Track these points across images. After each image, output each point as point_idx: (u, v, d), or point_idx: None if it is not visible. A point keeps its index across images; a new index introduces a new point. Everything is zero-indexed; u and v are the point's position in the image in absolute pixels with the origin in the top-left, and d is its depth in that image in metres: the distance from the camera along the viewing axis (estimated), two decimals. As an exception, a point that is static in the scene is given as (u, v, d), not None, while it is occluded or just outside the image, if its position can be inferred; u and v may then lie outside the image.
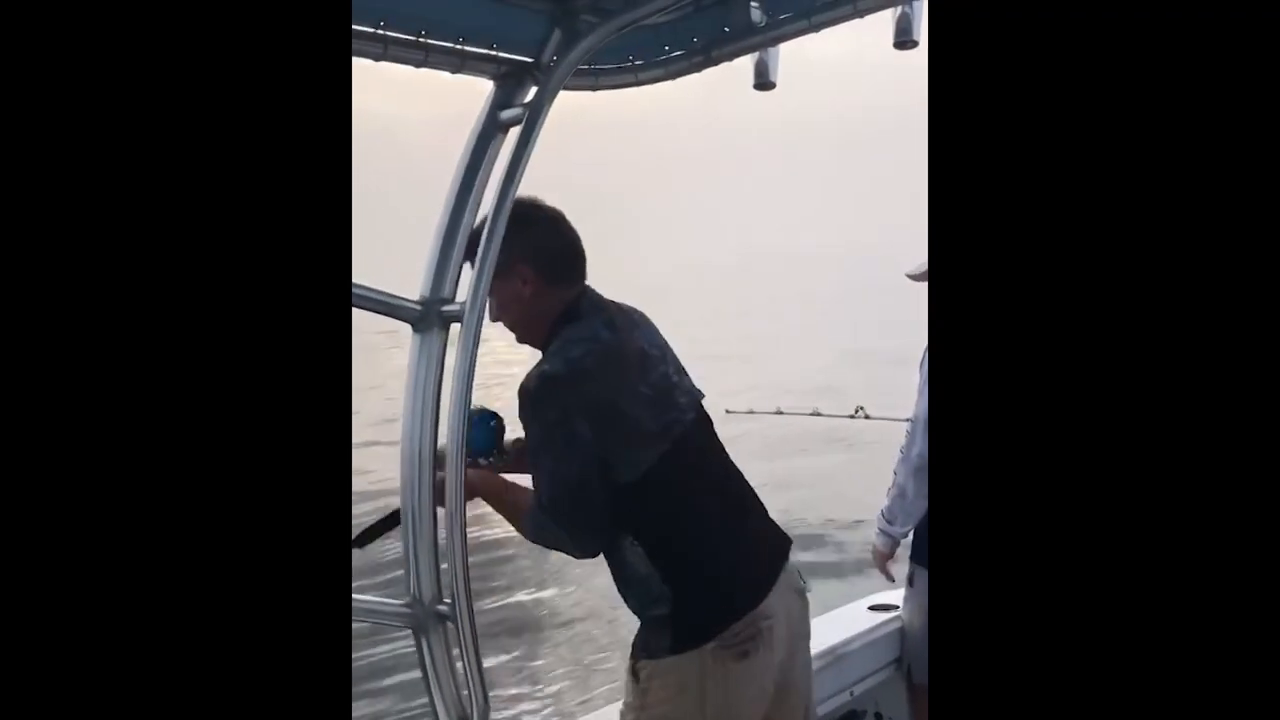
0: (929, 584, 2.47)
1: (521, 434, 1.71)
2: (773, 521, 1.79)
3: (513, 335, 1.79)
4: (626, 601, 1.70)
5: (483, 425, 1.84)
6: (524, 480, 1.74)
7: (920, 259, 2.55)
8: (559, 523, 1.63)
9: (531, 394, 1.61)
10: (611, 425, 1.59)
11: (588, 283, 1.77)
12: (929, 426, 0.86)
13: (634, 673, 1.65)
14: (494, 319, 1.75)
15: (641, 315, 1.80)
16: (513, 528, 1.73)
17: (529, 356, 1.75)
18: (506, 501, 1.73)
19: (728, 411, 3.97)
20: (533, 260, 1.70)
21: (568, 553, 1.68)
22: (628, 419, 1.60)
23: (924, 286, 2.49)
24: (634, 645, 1.68)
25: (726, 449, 1.80)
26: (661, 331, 1.81)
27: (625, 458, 1.60)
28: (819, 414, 4.94)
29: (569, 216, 1.79)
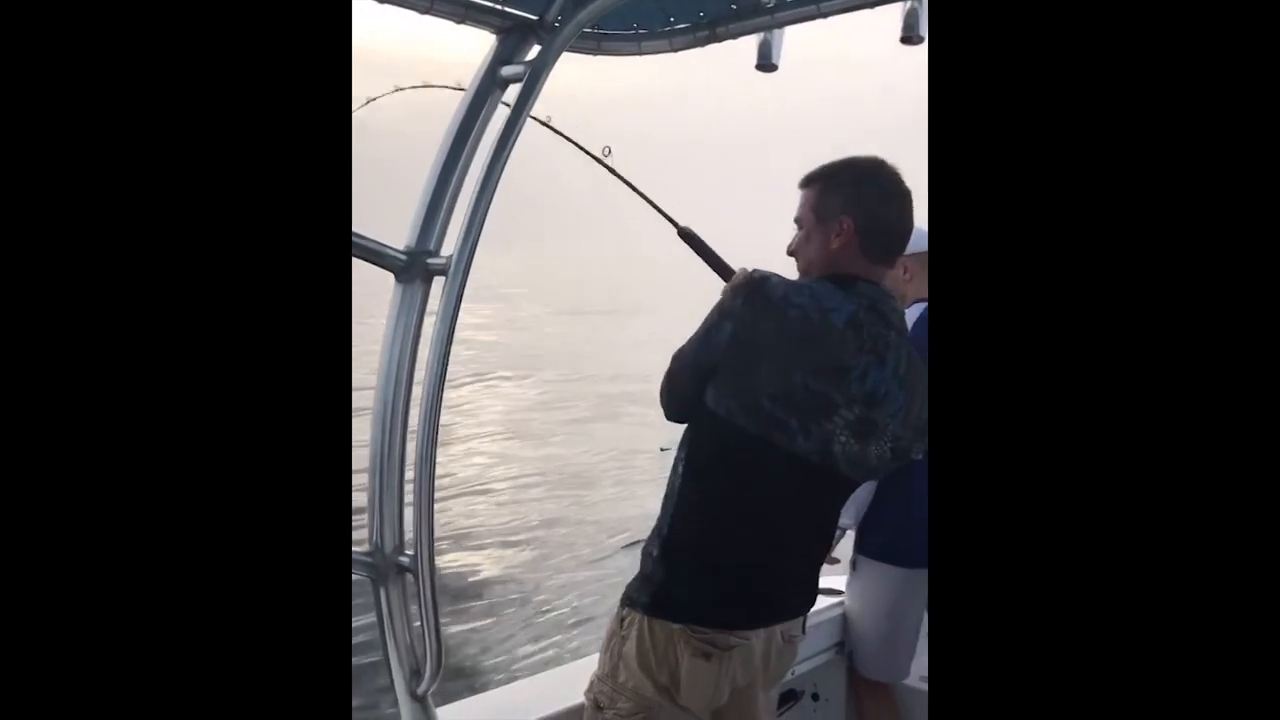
0: (929, 585, 2.50)
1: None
2: (810, 590, 1.76)
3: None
4: (659, 514, 1.67)
5: None
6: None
7: None
8: (667, 371, 1.66)
9: (741, 278, 1.60)
10: (741, 356, 1.55)
11: (882, 282, 1.66)
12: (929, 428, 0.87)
13: (620, 619, 1.66)
14: (790, 251, 1.69)
15: (910, 371, 1.62)
16: None
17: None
18: None
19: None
20: (860, 220, 1.61)
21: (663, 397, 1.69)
22: (753, 372, 1.55)
23: None
24: (628, 586, 1.67)
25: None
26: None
27: (721, 386, 1.57)
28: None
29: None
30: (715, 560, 1.63)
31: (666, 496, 1.65)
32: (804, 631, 1.76)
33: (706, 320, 1.59)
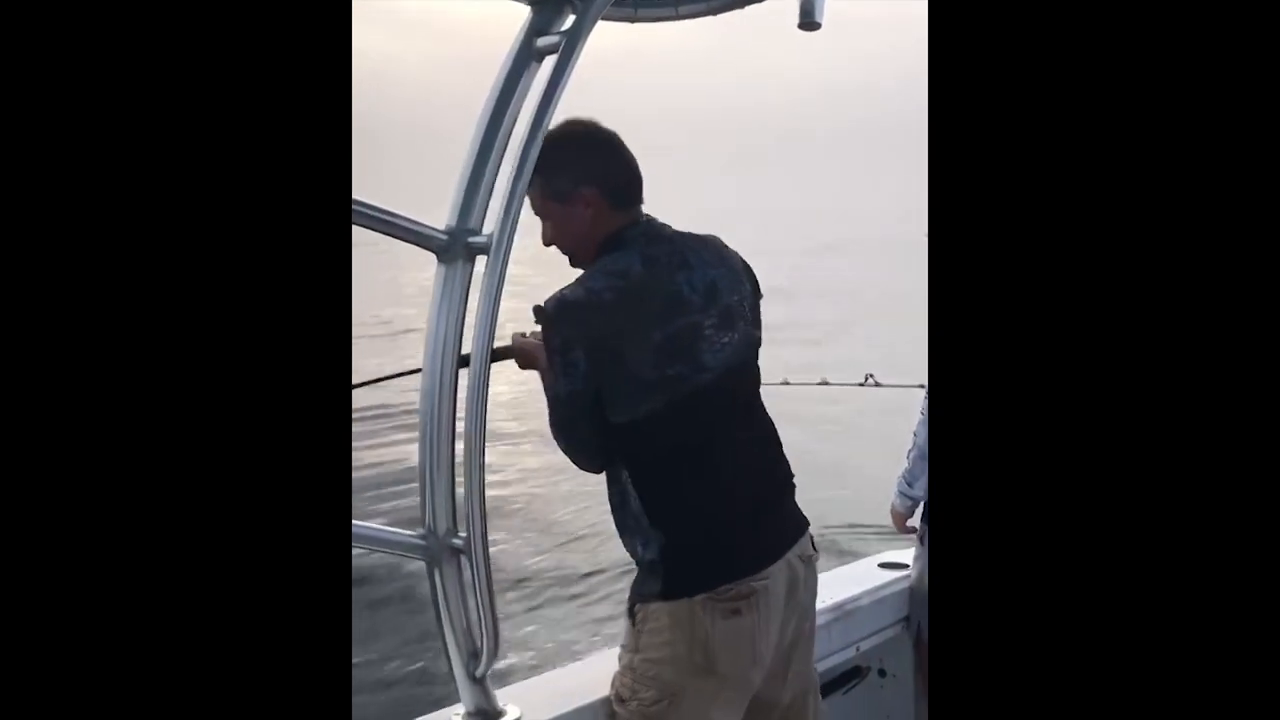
0: (929, 583, 2.45)
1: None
2: (793, 501, 1.78)
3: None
4: (623, 540, 1.70)
5: None
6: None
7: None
8: (555, 435, 1.68)
9: (546, 316, 1.63)
10: (607, 364, 1.59)
11: (646, 211, 1.73)
12: (929, 415, 0.82)
13: (631, 615, 1.67)
14: (547, 243, 1.73)
15: (708, 252, 1.71)
16: None
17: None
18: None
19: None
20: (599, 183, 1.67)
21: (571, 460, 1.71)
22: (625, 363, 1.59)
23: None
24: (631, 588, 1.69)
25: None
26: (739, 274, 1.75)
27: (615, 399, 1.61)
28: (826, 383, 4.89)
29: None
30: (705, 519, 1.64)
31: (622, 507, 1.67)
32: (815, 550, 1.75)
33: (552, 370, 1.61)
